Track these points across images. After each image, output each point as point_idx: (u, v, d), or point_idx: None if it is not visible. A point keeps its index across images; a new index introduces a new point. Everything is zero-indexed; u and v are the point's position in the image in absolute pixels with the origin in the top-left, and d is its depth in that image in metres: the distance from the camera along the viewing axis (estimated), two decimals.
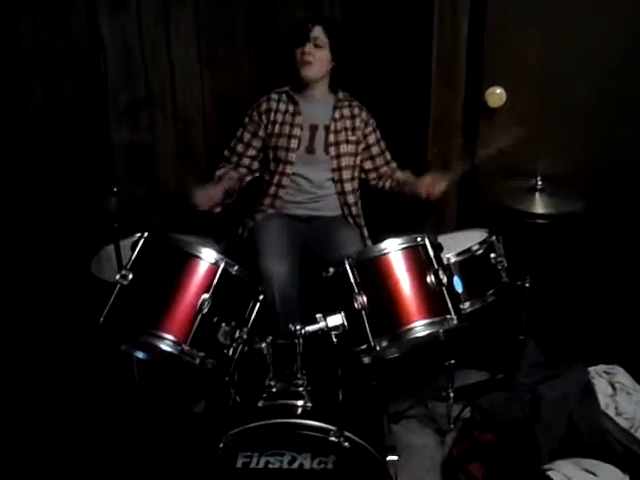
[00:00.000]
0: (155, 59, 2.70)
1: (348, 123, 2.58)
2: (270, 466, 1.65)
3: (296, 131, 2.53)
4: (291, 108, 2.56)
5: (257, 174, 2.64)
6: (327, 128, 2.55)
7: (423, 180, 2.45)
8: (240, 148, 2.61)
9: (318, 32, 2.47)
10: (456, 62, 2.45)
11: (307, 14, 2.69)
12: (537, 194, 2.31)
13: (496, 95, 2.45)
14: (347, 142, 2.56)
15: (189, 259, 1.76)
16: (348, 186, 2.58)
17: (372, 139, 2.63)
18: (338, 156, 2.55)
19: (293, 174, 2.53)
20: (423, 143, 2.56)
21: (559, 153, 2.47)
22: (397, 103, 2.65)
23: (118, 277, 1.74)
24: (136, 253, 1.78)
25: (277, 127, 2.55)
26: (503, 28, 2.41)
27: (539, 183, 2.32)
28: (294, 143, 2.52)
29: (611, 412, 2.15)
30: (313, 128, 2.55)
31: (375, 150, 2.64)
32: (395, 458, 1.76)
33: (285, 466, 1.64)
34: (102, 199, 2.06)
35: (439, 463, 2.24)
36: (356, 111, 2.60)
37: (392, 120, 2.67)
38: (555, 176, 2.37)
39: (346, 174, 2.57)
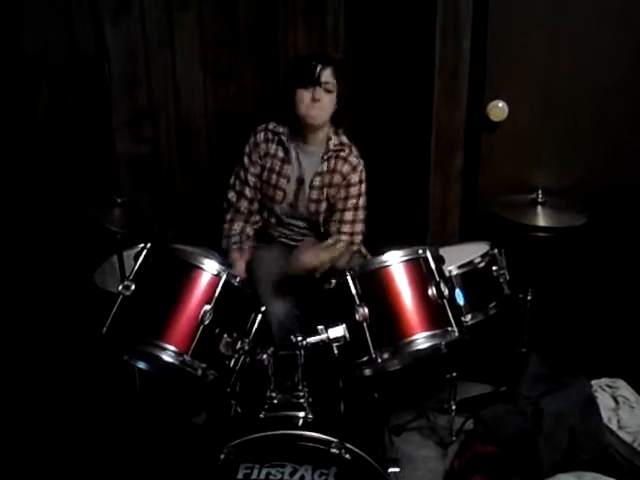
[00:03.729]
0: (159, 68, 2.72)
1: (327, 179, 2.38)
2: (271, 478, 1.65)
3: (282, 182, 2.39)
4: (280, 154, 2.40)
5: None
6: (311, 183, 2.39)
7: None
8: (249, 193, 2.43)
9: (328, 76, 2.26)
10: (458, 76, 2.44)
11: (308, 25, 2.68)
12: (539, 207, 2.31)
13: (498, 109, 2.45)
14: (326, 200, 2.39)
15: (191, 270, 1.77)
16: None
17: (342, 194, 2.39)
18: (317, 213, 2.41)
19: (277, 221, 2.47)
20: (426, 157, 2.56)
21: (561, 166, 2.48)
22: (399, 117, 2.64)
23: (120, 288, 1.75)
24: (139, 264, 1.80)
25: (266, 173, 2.41)
26: (505, 42, 2.41)
27: (541, 196, 2.32)
28: (279, 196, 2.40)
29: (613, 426, 2.15)
30: (300, 182, 2.41)
31: (339, 205, 2.40)
32: (397, 470, 1.76)
33: (286, 478, 1.64)
34: (106, 209, 2.08)
35: (441, 476, 2.23)
36: (339, 165, 2.38)
37: (394, 135, 2.67)
38: (557, 189, 2.38)
39: (325, 229, 2.44)
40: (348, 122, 2.48)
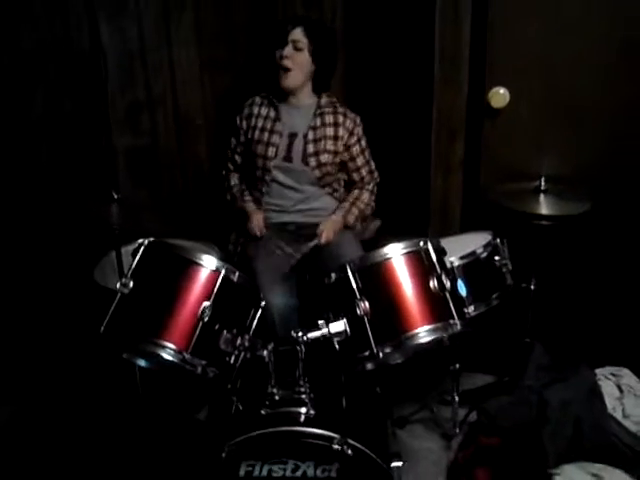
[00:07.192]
0: (156, 61, 2.70)
1: (330, 131, 2.47)
2: (273, 475, 1.64)
3: (274, 139, 2.46)
4: (272, 114, 2.50)
5: None
6: (305, 137, 2.46)
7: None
8: (237, 157, 2.60)
9: (297, 34, 2.37)
10: (459, 62, 2.42)
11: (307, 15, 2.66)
12: (541, 195, 2.29)
13: (500, 95, 2.43)
14: (326, 151, 2.46)
15: (190, 266, 1.75)
16: (335, 195, 2.56)
17: (356, 150, 2.52)
18: (319, 166, 2.46)
19: (272, 181, 2.49)
20: (427, 144, 2.53)
21: (564, 153, 2.46)
22: (400, 104, 2.63)
23: (119, 285, 1.73)
24: (137, 260, 1.77)
25: (257, 133, 2.49)
26: (506, 27, 2.39)
27: (543, 184, 2.30)
28: (271, 151, 2.45)
29: (618, 415, 2.14)
30: (292, 136, 2.47)
31: (360, 161, 2.55)
32: (399, 464, 1.75)
33: (288, 474, 1.64)
34: (104, 204, 2.06)
35: (445, 468, 2.21)
36: (340, 119, 2.48)
37: (395, 122, 2.65)
38: (560, 177, 2.36)
39: (329, 186, 2.52)
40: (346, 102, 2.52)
